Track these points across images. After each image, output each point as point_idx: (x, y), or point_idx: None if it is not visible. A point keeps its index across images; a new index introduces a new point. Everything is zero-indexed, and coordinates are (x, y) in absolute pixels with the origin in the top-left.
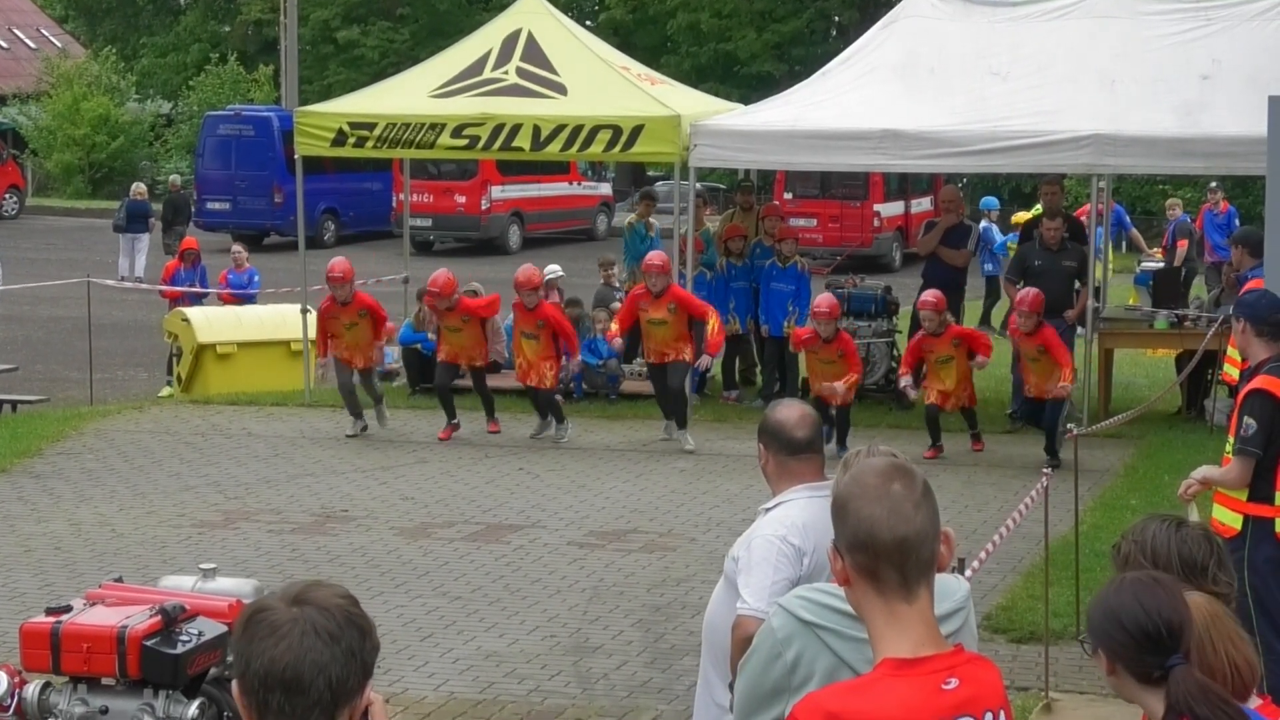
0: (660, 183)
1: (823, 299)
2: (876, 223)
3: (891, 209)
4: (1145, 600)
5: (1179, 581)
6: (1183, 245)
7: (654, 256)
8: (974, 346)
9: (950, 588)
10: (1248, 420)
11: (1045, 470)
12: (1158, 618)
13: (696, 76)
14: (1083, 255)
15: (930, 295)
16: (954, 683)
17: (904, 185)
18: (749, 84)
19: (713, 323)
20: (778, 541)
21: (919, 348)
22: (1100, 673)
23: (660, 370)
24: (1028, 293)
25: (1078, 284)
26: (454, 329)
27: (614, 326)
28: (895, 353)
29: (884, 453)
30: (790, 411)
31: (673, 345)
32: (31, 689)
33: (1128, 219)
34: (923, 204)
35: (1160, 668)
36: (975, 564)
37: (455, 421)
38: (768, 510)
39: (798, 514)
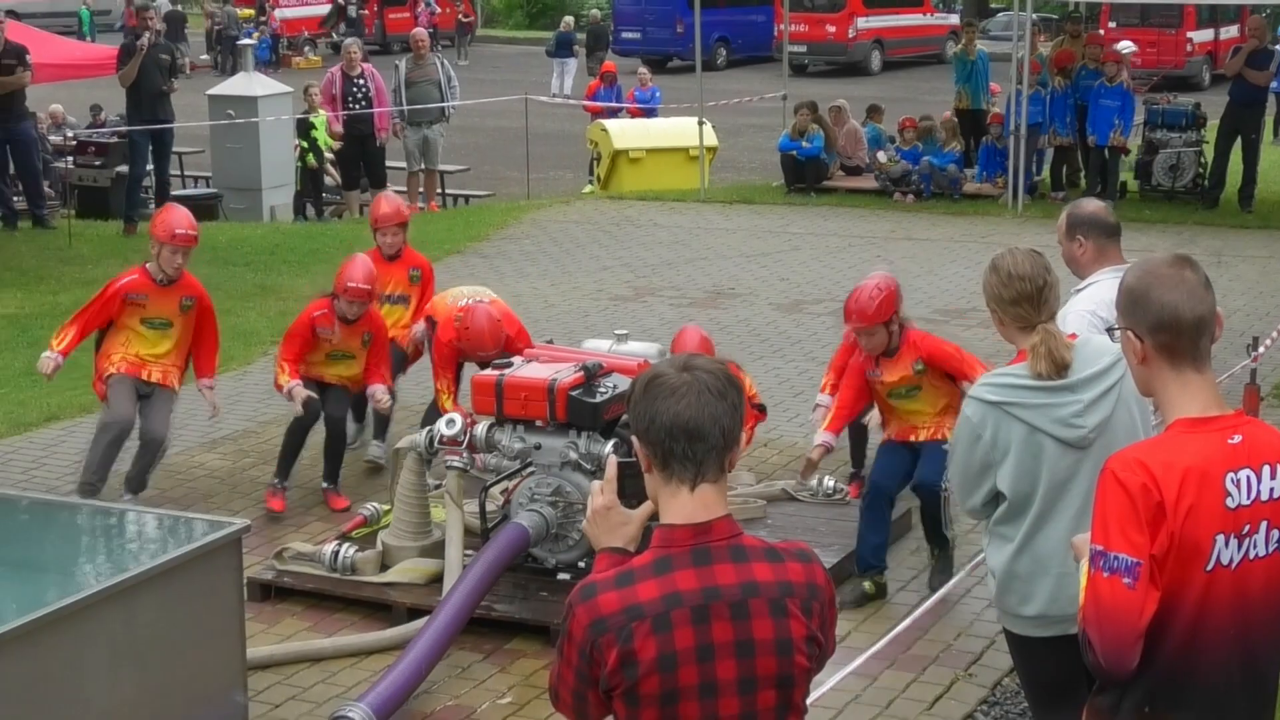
0: (1002, 13)
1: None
2: (1189, 48)
3: (1202, 35)
4: None
5: None
6: None
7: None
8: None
9: (1103, 348)
10: None
11: None
12: None
13: None
14: None
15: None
16: (1238, 438)
17: (1214, 14)
18: None
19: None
20: (1088, 315)
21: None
22: None
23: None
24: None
25: None
26: (343, 355)
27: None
28: (1202, 159)
29: (1026, 250)
30: (1095, 204)
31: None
32: (481, 427)
33: None
34: (1230, 31)
35: None
36: (1267, 341)
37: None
38: (1079, 291)
39: (1105, 292)
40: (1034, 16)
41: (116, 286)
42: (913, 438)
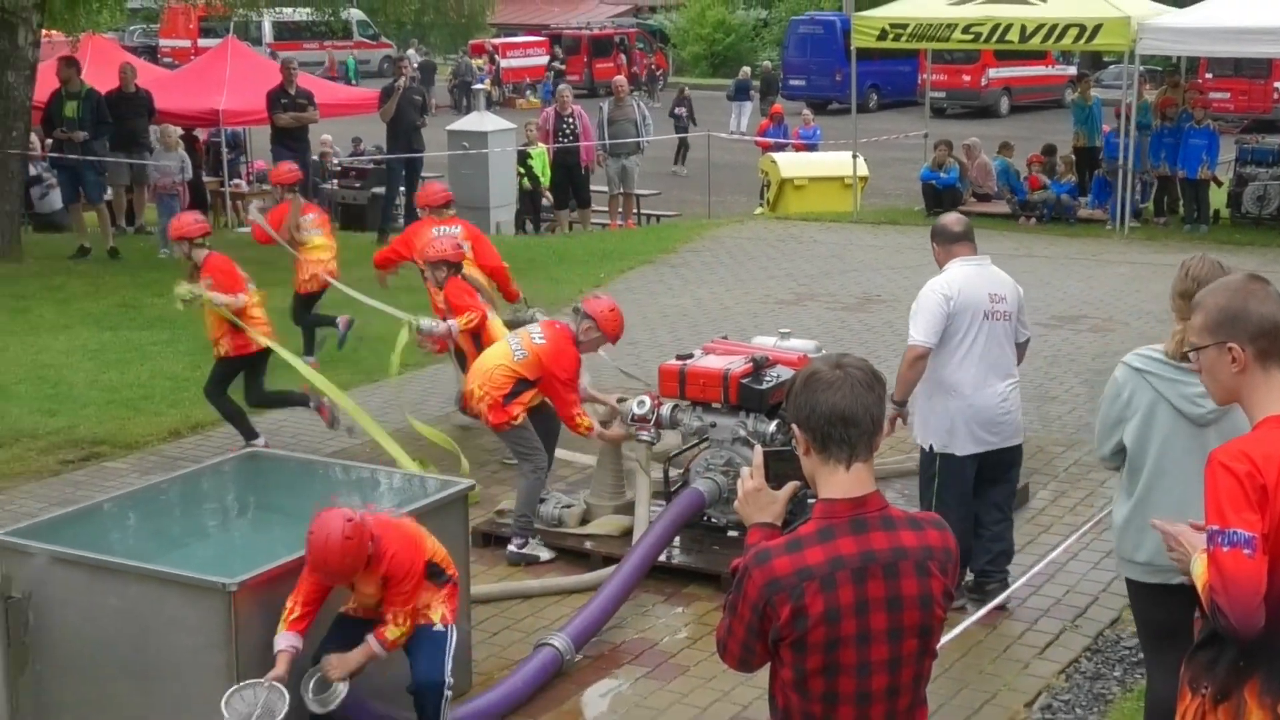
0: (1112, 66)
1: None
2: (1276, 95)
3: None
4: None
5: None
6: None
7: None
8: None
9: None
10: None
11: None
12: None
13: None
14: None
15: None
16: None
17: None
18: None
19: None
20: (931, 294)
21: None
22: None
23: None
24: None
25: None
26: None
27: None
28: None
29: (1214, 260)
30: (949, 217)
31: None
32: (666, 408)
33: None
34: None
35: None
36: None
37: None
38: (936, 277)
39: (952, 276)
40: (1141, 68)
41: None
42: None
